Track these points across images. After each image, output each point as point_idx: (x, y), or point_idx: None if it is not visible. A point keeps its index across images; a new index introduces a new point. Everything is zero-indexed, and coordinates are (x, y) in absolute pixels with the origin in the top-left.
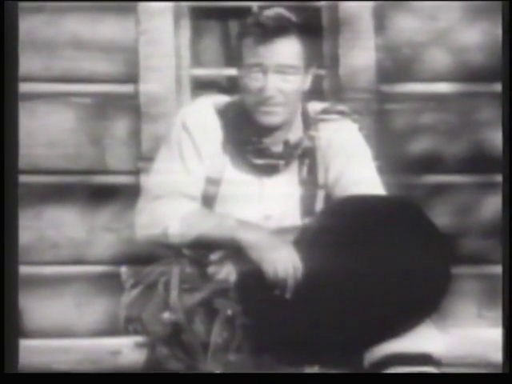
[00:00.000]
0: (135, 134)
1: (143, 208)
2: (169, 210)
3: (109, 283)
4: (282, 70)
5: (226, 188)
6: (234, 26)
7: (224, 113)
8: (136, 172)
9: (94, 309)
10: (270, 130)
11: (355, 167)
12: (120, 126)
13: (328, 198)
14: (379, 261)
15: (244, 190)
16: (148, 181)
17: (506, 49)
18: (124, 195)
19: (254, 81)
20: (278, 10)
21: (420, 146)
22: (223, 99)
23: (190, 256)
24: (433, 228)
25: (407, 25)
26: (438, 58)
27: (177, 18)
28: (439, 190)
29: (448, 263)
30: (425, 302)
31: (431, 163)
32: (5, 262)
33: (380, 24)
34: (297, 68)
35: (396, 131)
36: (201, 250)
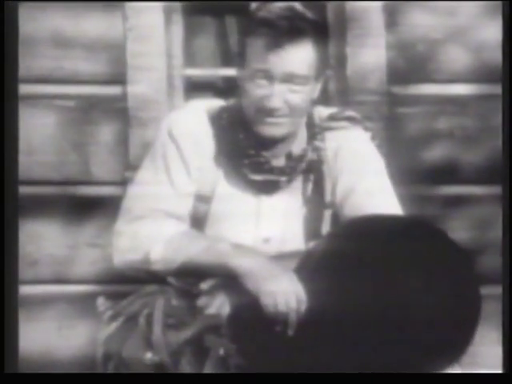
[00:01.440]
0: (122, 141)
1: (122, 230)
2: (151, 231)
3: (93, 304)
4: (290, 79)
5: (219, 207)
6: (231, 22)
7: (217, 120)
8: (123, 182)
9: (78, 332)
10: (270, 141)
11: (367, 183)
12: (106, 132)
13: (336, 218)
14: (397, 292)
15: (239, 209)
16: (128, 198)
17: (506, 49)
18: (110, 208)
19: (258, 87)
20: (290, 5)
21: (435, 153)
22: (217, 104)
23: (176, 285)
24: (458, 251)
25: (421, 21)
26: (456, 57)
27: (168, 12)
28: (456, 202)
29: (478, 288)
30: (456, 340)
31: (448, 173)
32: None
33: (391, 20)
34: (307, 78)
35: (409, 137)
36: (189, 278)
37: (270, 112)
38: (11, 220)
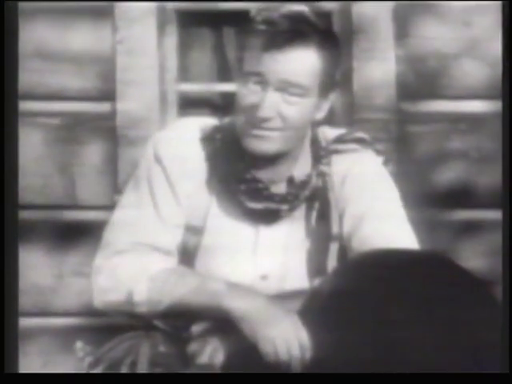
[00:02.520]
0: (111, 162)
1: (101, 266)
2: (134, 268)
3: (80, 338)
4: (286, 87)
5: (211, 239)
6: (229, 33)
7: (210, 141)
8: (112, 207)
9: (64, 369)
10: (268, 163)
11: (378, 213)
12: (93, 152)
13: (343, 252)
14: (415, 336)
15: (234, 241)
16: (108, 229)
17: (505, 50)
18: (97, 234)
19: (250, 93)
20: (297, 8)
21: (448, 176)
22: (209, 123)
23: (163, 329)
24: (479, 287)
25: (433, 33)
26: (470, 72)
27: (161, 23)
28: (471, 227)
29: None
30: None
31: (461, 196)
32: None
33: (401, 31)
34: (306, 89)
35: (419, 158)
36: (177, 321)
37: (259, 122)
38: (11, 247)
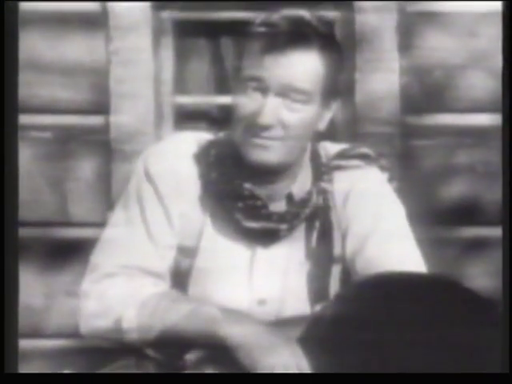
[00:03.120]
0: (104, 177)
1: (89, 290)
2: (123, 293)
3: (72, 361)
4: (288, 93)
5: (205, 261)
6: (227, 44)
7: (204, 156)
8: (105, 224)
9: None
10: (267, 179)
11: (383, 233)
12: (86, 167)
13: (346, 275)
14: (423, 364)
15: (230, 263)
16: (96, 251)
17: (506, 51)
18: (90, 252)
19: (249, 100)
20: (298, 12)
21: (454, 191)
22: (204, 137)
23: (155, 358)
24: (488, 310)
25: (439, 43)
26: (477, 84)
27: (157, 34)
28: (478, 245)
29: None
30: None
31: (468, 213)
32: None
33: (406, 42)
34: (309, 95)
35: (424, 173)
36: (170, 349)
37: (260, 131)
38: (11, 267)
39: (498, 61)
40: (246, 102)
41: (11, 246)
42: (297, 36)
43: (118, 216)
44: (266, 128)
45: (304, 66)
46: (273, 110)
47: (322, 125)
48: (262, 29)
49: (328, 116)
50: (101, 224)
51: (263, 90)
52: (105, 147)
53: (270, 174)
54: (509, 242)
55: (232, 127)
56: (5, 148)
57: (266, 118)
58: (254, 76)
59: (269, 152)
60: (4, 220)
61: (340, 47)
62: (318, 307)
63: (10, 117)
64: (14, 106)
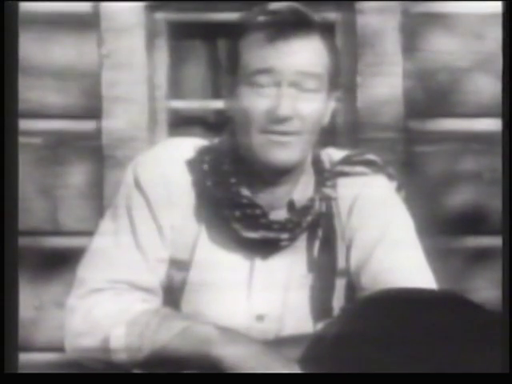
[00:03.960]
0: (96, 184)
1: (75, 306)
2: (112, 310)
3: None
4: (300, 81)
5: (199, 274)
6: (223, 46)
7: (198, 163)
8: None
9: None
10: (267, 186)
11: (390, 245)
12: (77, 173)
13: (351, 289)
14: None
15: (226, 276)
16: (83, 264)
17: (506, 52)
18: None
19: (260, 98)
20: (292, 4)
21: (460, 199)
22: (198, 143)
23: None
24: (497, 325)
25: (443, 46)
26: (483, 88)
27: (151, 36)
28: (484, 255)
29: None
30: None
31: (474, 221)
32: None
33: (409, 45)
34: (321, 80)
35: (429, 180)
36: (160, 371)
37: (279, 125)
38: (11, 277)
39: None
40: (258, 100)
41: (10, 255)
42: (299, 23)
43: (106, 227)
44: (286, 120)
45: (311, 51)
46: (290, 100)
47: (326, 118)
48: (263, 18)
49: (331, 108)
50: (92, 233)
51: (276, 81)
52: (96, 153)
53: (273, 177)
54: (509, 252)
55: (238, 133)
56: (5, 156)
57: (285, 110)
58: (263, 68)
59: (288, 149)
60: (4, 230)
61: (334, 37)
62: (320, 325)
63: (10, 122)
64: (14, 110)
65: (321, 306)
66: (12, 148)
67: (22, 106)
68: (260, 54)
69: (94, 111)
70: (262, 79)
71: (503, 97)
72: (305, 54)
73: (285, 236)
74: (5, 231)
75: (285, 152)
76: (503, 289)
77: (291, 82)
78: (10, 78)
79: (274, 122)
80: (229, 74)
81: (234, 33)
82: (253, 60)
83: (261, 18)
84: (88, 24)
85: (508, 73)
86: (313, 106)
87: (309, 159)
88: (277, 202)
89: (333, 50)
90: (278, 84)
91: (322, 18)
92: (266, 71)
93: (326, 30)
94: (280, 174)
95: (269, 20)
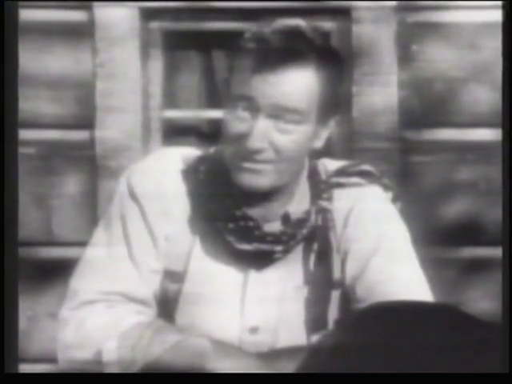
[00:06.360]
0: (90, 194)
1: (68, 318)
2: (104, 322)
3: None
4: (279, 114)
5: (193, 286)
6: (218, 57)
7: (193, 173)
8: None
9: None
10: (261, 199)
11: (385, 256)
12: (71, 184)
13: (346, 300)
14: None
15: (220, 288)
16: (76, 275)
17: (506, 52)
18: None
19: (238, 122)
20: (292, 22)
21: (455, 209)
22: (193, 153)
23: None
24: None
25: (439, 55)
26: (479, 98)
27: (145, 45)
28: (480, 266)
29: None
30: None
31: (470, 232)
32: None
33: (405, 54)
34: (303, 114)
35: (425, 190)
36: None
37: (250, 154)
38: (11, 286)
39: (500, 73)
40: (235, 123)
41: (10, 266)
42: (290, 52)
43: (99, 237)
44: (257, 152)
45: (298, 85)
46: (262, 133)
47: (319, 143)
48: (252, 45)
49: (325, 134)
50: (86, 243)
51: (253, 110)
52: (90, 163)
53: (264, 194)
54: (509, 263)
55: (222, 145)
56: (5, 166)
57: (255, 143)
58: (243, 95)
59: (260, 176)
60: (4, 241)
61: (339, 58)
62: (315, 337)
63: (10, 133)
64: (14, 120)
65: (316, 318)
66: (12, 158)
67: None
68: (245, 79)
69: (87, 121)
70: (243, 105)
71: (503, 106)
72: (289, 88)
73: (279, 248)
74: (5, 242)
75: (257, 179)
76: (503, 295)
77: (269, 114)
78: (9, 87)
79: (246, 150)
80: (225, 87)
81: (231, 50)
82: (238, 84)
83: (250, 45)
84: (82, 33)
85: (508, 82)
86: (290, 138)
87: (305, 172)
88: (271, 214)
89: (330, 77)
90: (255, 113)
91: (323, 39)
92: (246, 99)
93: (326, 55)
94: (268, 193)
95: (256, 48)
